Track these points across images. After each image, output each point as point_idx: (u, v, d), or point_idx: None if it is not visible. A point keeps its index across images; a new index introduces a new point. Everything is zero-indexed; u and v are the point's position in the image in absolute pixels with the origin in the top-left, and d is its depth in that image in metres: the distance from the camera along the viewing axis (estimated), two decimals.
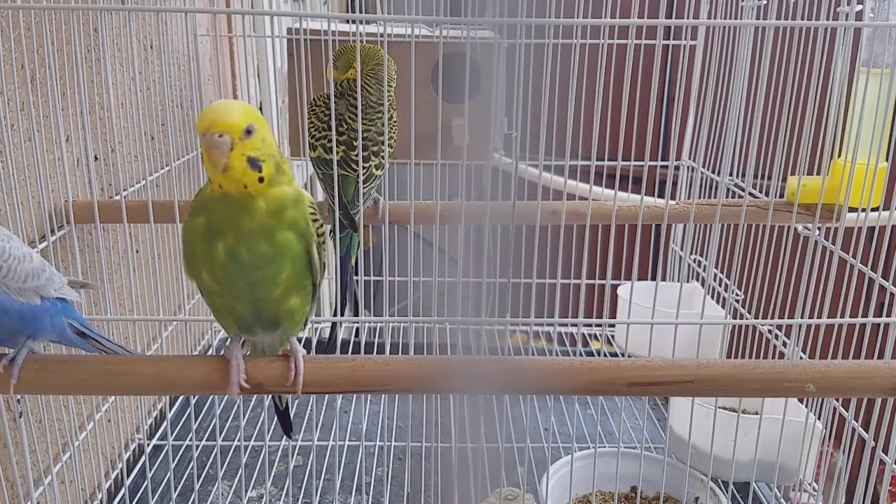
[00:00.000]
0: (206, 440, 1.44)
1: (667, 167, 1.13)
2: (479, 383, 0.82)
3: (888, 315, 1.09)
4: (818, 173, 1.18)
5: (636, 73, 1.10)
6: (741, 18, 1.45)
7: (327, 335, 1.41)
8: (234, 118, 0.69)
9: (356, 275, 1.30)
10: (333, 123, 1.11)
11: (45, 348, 0.93)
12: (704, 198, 1.63)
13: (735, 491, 1.32)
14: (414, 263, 1.47)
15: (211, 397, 1.51)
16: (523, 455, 1.34)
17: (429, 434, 1.44)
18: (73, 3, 0.96)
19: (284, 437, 1.41)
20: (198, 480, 1.30)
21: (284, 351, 0.84)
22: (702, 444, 1.26)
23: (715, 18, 1.60)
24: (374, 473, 1.37)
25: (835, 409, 1.24)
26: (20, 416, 0.99)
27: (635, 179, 1.67)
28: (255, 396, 1.52)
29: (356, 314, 1.35)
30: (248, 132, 0.70)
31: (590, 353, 1.81)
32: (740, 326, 1.49)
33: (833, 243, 1.13)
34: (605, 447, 1.39)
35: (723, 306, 1.56)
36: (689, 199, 1.51)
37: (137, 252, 1.40)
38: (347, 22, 1.81)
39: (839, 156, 1.20)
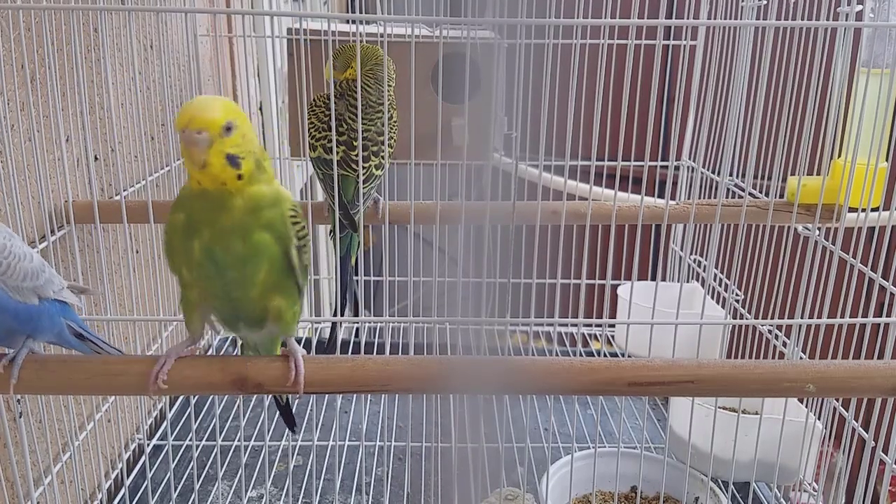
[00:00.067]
0: (206, 440, 1.44)
1: (667, 167, 1.13)
2: (479, 383, 0.82)
3: (888, 315, 1.09)
4: (818, 173, 1.18)
5: (636, 73, 1.10)
6: (741, 18, 1.45)
7: (327, 335, 1.41)
8: (214, 115, 0.69)
9: (356, 275, 1.30)
10: (333, 123, 1.11)
11: (45, 349, 0.93)
12: (704, 198, 1.63)
13: (735, 491, 1.31)
14: (414, 263, 1.47)
15: (211, 397, 1.51)
16: (523, 455, 1.34)
17: (429, 434, 1.44)
18: (73, 3, 0.96)
19: (284, 437, 1.42)
20: (198, 480, 1.30)
21: (284, 351, 0.84)
22: (702, 444, 1.26)
23: (715, 18, 1.60)
24: (374, 473, 1.37)
25: (835, 409, 1.24)
26: (20, 416, 0.99)
27: (635, 179, 1.67)
28: (255, 396, 1.52)
29: (356, 314, 1.35)
30: (228, 129, 0.69)
31: (590, 354, 1.81)
32: (740, 326, 1.49)
33: (833, 243, 1.13)
34: (605, 447, 1.39)
35: (723, 306, 1.56)
36: (689, 199, 1.51)
37: (137, 252, 1.40)
38: (347, 22, 1.81)
39: (839, 156, 1.20)
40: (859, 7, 1.06)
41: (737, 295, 1.47)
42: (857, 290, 1.09)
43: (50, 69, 1.01)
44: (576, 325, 1.42)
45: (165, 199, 1.38)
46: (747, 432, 1.22)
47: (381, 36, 1.16)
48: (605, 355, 1.74)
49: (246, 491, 1.29)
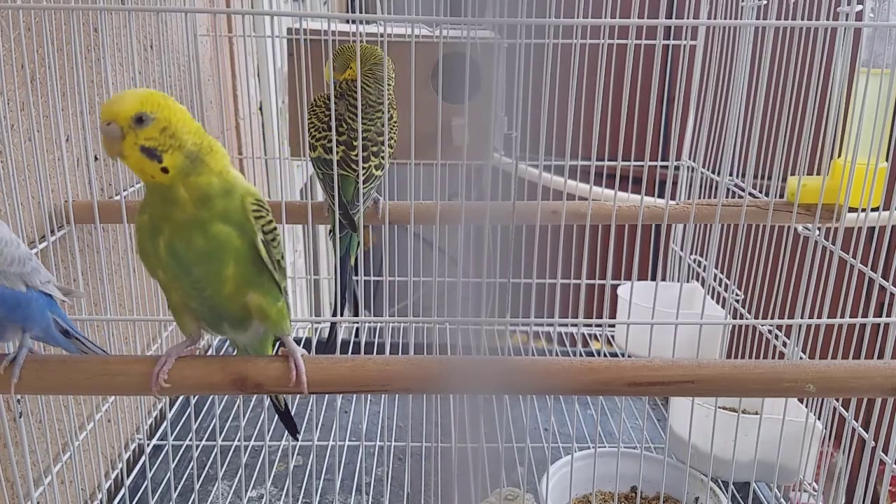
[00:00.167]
0: (206, 440, 1.44)
1: (667, 167, 1.12)
2: (479, 383, 0.82)
3: (888, 315, 1.09)
4: (818, 173, 1.18)
5: (636, 73, 1.10)
6: (741, 18, 1.45)
7: (327, 335, 1.41)
8: (122, 106, 0.68)
9: (356, 275, 1.30)
10: (333, 124, 1.11)
11: (44, 349, 0.93)
12: (704, 198, 1.63)
13: (735, 491, 1.31)
14: (414, 263, 1.47)
15: (211, 397, 1.51)
16: (523, 455, 1.34)
17: (429, 434, 1.44)
18: (73, 3, 0.96)
19: (284, 437, 1.42)
20: (198, 480, 1.30)
21: (283, 351, 0.84)
22: (702, 444, 1.26)
23: (715, 18, 1.60)
24: (374, 473, 1.37)
25: (835, 409, 1.24)
26: (20, 416, 0.99)
27: (635, 179, 1.67)
28: (255, 396, 1.52)
29: (356, 314, 1.35)
30: (141, 120, 0.68)
31: (590, 354, 1.81)
32: (740, 326, 1.49)
33: (833, 243, 1.13)
34: (605, 447, 1.39)
35: (723, 306, 1.56)
36: (689, 199, 1.51)
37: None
38: (347, 22, 1.81)
39: (839, 156, 1.20)
40: (859, 7, 1.06)
41: (737, 295, 1.47)
42: (857, 290, 1.09)
43: (50, 69, 1.01)
44: (576, 325, 1.42)
45: None
46: (747, 432, 1.22)
47: (381, 36, 1.16)
48: (605, 355, 1.74)
49: (246, 491, 1.29)
